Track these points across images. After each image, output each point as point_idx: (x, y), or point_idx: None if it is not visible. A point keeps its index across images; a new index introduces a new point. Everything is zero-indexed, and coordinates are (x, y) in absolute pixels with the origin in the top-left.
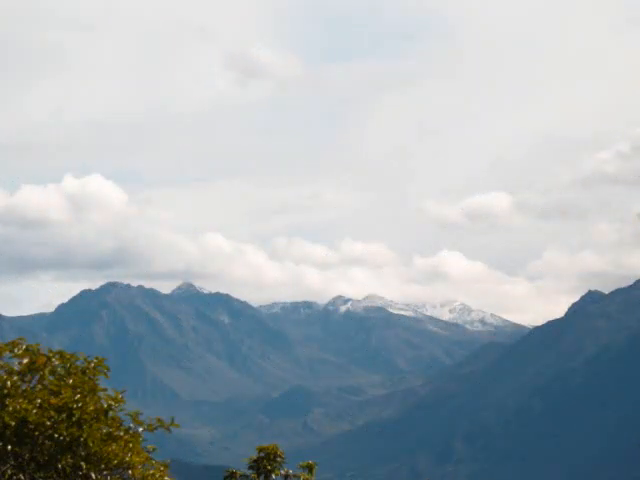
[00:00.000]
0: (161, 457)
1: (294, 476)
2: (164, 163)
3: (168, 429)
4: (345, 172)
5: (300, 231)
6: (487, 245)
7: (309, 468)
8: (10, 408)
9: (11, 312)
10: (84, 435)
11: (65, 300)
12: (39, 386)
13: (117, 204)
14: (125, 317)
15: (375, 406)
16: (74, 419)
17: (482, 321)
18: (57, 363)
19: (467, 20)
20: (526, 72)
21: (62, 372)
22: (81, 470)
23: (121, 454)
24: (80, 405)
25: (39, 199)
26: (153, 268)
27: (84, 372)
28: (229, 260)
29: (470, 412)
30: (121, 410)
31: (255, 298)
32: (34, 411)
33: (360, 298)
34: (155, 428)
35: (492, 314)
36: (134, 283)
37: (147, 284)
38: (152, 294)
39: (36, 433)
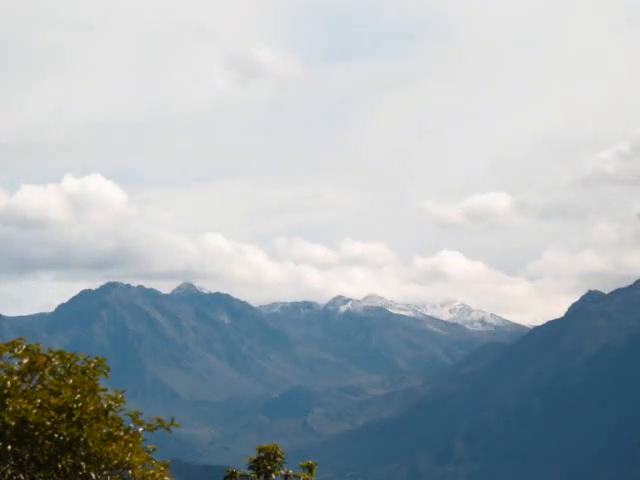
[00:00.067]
0: (161, 457)
1: (294, 476)
2: (164, 163)
3: (168, 429)
4: (345, 172)
5: (300, 231)
6: (487, 245)
7: (309, 468)
8: (10, 408)
9: (11, 312)
10: (84, 435)
11: (65, 300)
12: (39, 386)
13: (117, 204)
14: (125, 317)
15: (375, 406)
16: (74, 419)
17: (482, 321)
18: (57, 363)
19: (467, 20)
20: (526, 72)
21: (62, 372)
22: (81, 470)
23: (121, 454)
24: (80, 405)
25: (39, 199)
26: (153, 268)
27: (84, 372)
28: (229, 260)
29: (470, 412)
30: (121, 410)
31: (255, 298)
32: (34, 411)
33: (360, 298)
34: (155, 428)
35: (492, 314)
36: (134, 283)
37: (147, 284)
38: (152, 294)
39: (36, 433)
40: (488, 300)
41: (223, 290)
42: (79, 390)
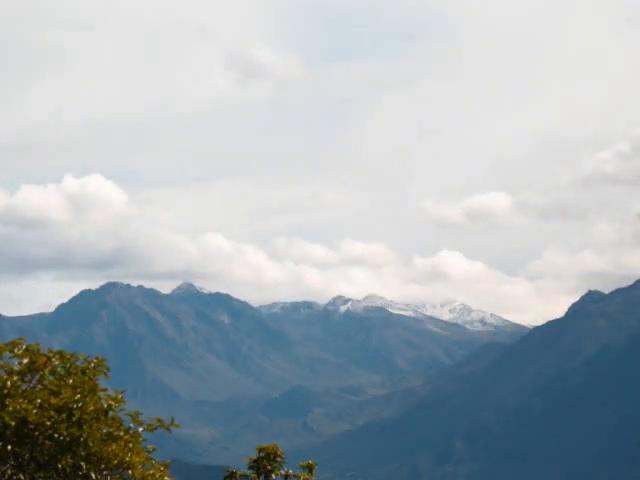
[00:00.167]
0: (161, 457)
1: (294, 476)
2: (164, 163)
3: (168, 429)
4: (345, 172)
5: (300, 231)
6: (487, 245)
7: (309, 468)
8: (10, 408)
9: (11, 312)
10: (84, 435)
11: (65, 300)
12: (39, 386)
13: (117, 204)
14: (125, 317)
15: (375, 406)
16: (74, 419)
17: (482, 321)
18: (57, 363)
19: (467, 20)
20: (526, 72)
21: (62, 372)
22: (81, 470)
23: (121, 454)
24: (80, 405)
25: (39, 199)
26: (153, 268)
27: (84, 372)
28: (229, 260)
29: (470, 412)
30: (121, 410)
31: (255, 298)
32: (34, 411)
33: (360, 298)
34: (155, 428)
35: (492, 314)
36: (134, 283)
37: (147, 284)
38: (152, 294)
39: (36, 433)
40: (488, 300)
41: (223, 290)
42: (79, 390)
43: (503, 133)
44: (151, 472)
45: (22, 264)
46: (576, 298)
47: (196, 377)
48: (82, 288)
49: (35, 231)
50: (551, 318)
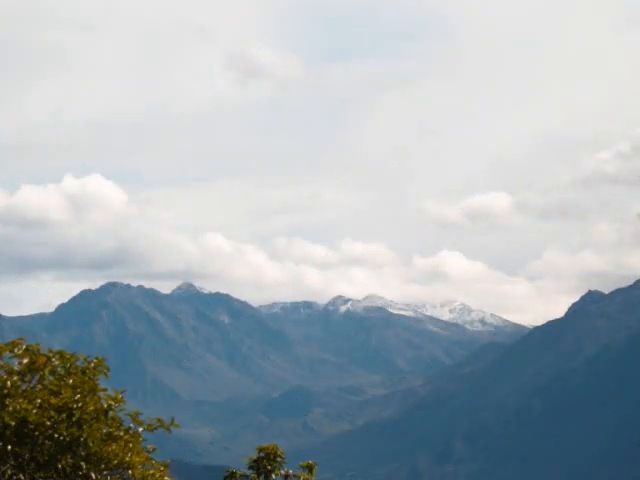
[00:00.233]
0: (161, 457)
1: (294, 476)
2: (164, 163)
3: (168, 429)
4: (345, 172)
5: (300, 231)
6: (487, 245)
7: (309, 468)
8: (10, 408)
9: (11, 312)
10: (84, 435)
11: (65, 300)
12: (39, 386)
13: (117, 204)
14: (125, 317)
15: (375, 406)
16: (74, 419)
17: (482, 321)
18: (57, 363)
19: (467, 20)
20: (526, 72)
21: (62, 372)
22: (81, 470)
23: (121, 454)
24: (80, 405)
25: (39, 199)
26: (153, 268)
27: (84, 372)
28: (229, 260)
29: (470, 412)
30: (121, 410)
31: (255, 298)
32: (34, 411)
33: (360, 298)
34: (155, 428)
35: (492, 314)
36: (134, 283)
37: (147, 284)
38: (152, 294)
39: (36, 433)
40: (488, 300)
41: (223, 290)
42: (79, 390)
43: (503, 133)
44: (151, 472)
45: (22, 264)
46: (576, 298)
47: (196, 377)
48: (82, 288)
49: (35, 231)
50: (551, 318)
